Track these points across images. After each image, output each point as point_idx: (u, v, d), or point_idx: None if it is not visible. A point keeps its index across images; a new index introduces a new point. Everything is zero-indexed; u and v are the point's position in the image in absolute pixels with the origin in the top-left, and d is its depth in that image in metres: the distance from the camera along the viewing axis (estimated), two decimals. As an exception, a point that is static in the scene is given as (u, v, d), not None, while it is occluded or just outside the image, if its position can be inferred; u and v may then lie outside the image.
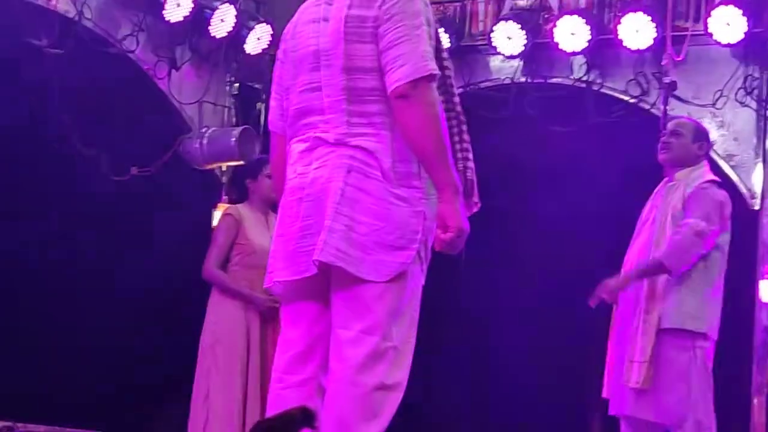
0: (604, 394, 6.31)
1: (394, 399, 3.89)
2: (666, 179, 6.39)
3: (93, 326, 8.44)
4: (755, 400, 7.80)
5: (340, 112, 3.90)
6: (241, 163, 8.64)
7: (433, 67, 3.84)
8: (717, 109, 8.23)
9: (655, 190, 6.46)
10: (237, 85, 9.56)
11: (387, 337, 3.86)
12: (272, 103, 4.25)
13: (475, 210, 4.09)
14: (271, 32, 8.98)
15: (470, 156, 4.10)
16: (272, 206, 6.98)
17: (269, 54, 9.06)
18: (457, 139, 4.07)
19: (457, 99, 4.07)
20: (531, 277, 9.13)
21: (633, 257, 6.30)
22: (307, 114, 4.00)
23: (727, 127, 8.24)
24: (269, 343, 6.98)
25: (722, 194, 6.19)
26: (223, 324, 7.07)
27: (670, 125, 6.52)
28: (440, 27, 8.32)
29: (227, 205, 8.23)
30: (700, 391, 6.02)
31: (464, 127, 4.11)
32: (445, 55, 4.04)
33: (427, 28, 3.91)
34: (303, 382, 4.02)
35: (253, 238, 7.08)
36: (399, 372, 3.92)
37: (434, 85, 3.86)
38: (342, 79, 3.90)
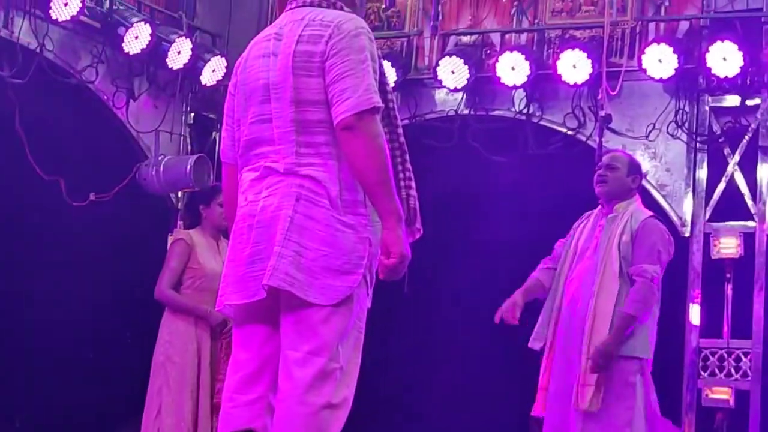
0: (538, 412, 6.32)
1: (341, 416, 3.90)
2: (603, 210, 6.45)
3: (47, 346, 8.39)
4: (686, 419, 7.88)
5: (290, 143, 3.92)
6: (196, 189, 8.64)
7: (376, 100, 3.87)
8: (650, 141, 8.33)
9: (591, 220, 6.51)
10: (192, 114, 9.58)
11: (334, 358, 3.87)
12: (223, 134, 4.26)
13: (417, 237, 4.11)
14: (226, 65, 9.05)
15: (412, 185, 4.12)
16: (224, 232, 7.01)
17: (224, 85, 9.06)
18: (400, 168, 4.09)
19: (400, 130, 4.10)
20: (470, 303, 9.15)
21: (575, 284, 6.33)
22: (257, 144, 4.01)
23: (659, 159, 8.33)
24: (220, 361, 6.99)
25: (667, 232, 6.38)
26: (174, 342, 7.09)
27: (605, 159, 6.61)
28: (388, 61, 8.50)
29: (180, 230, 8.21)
30: (643, 416, 6.13)
31: (407, 157, 4.13)
32: (388, 88, 4.07)
33: (371, 62, 3.93)
34: (253, 402, 4.02)
35: (204, 263, 7.11)
36: (345, 390, 3.93)
37: (378, 117, 3.89)
38: (291, 112, 3.92)
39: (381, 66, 4.03)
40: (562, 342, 6.32)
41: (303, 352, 3.87)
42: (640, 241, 6.23)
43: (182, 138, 9.51)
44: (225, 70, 9.03)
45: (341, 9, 4.07)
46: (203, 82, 9.16)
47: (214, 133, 9.66)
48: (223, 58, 9.10)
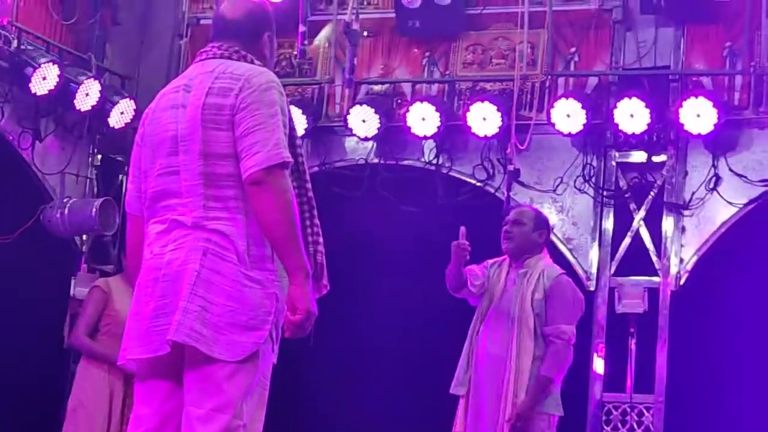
0: None
1: (245, 475, 3.86)
2: (513, 264, 6.46)
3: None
4: (589, 472, 7.92)
5: (198, 196, 3.88)
6: (102, 234, 8.57)
7: (286, 155, 3.84)
8: (557, 194, 8.40)
9: (503, 268, 6.50)
10: (99, 157, 9.47)
11: (238, 415, 3.82)
12: (129, 185, 4.19)
13: (324, 292, 4.09)
14: (135, 107, 8.98)
15: (320, 240, 4.09)
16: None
17: (132, 128, 8.98)
18: (308, 223, 4.06)
19: (309, 185, 4.08)
20: (377, 353, 9.14)
21: (489, 334, 6.34)
22: (165, 197, 3.96)
23: (566, 212, 8.40)
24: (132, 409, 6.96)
25: (578, 289, 6.52)
26: (86, 388, 7.15)
27: (512, 214, 6.63)
28: (298, 108, 8.46)
29: (87, 274, 8.42)
30: None
31: (315, 212, 4.11)
32: (298, 142, 4.05)
33: (281, 116, 3.91)
34: (154, 457, 3.95)
35: (120, 310, 7.06)
36: (248, 448, 3.89)
37: (287, 172, 3.86)
38: (199, 165, 3.88)
39: (291, 120, 4.00)
40: (480, 391, 6.32)
41: (206, 409, 3.81)
42: (554, 300, 6.29)
43: (88, 180, 9.39)
44: (134, 113, 8.94)
45: (251, 62, 4.05)
46: (111, 125, 9.06)
47: (121, 175, 9.54)
48: (132, 101, 9.02)
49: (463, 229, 6.48)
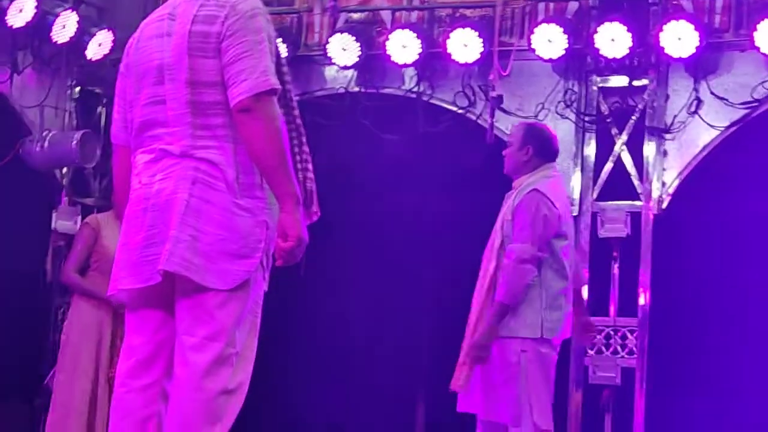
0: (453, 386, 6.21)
1: (236, 402, 3.88)
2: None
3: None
4: (573, 396, 7.98)
5: (185, 125, 3.86)
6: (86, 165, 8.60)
7: (274, 82, 3.82)
8: (539, 120, 8.35)
9: None
10: (78, 89, 9.38)
11: (230, 343, 3.84)
12: (115, 115, 4.17)
13: (314, 219, 4.09)
14: (113, 38, 8.85)
15: (310, 167, 4.09)
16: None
17: (110, 59, 8.92)
18: (297, 150, 4.06)
19: (296, 112, 4.07)
20: (361, 279, 9.17)
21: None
22: (151, 126, 3.94)
23: (548, 138, 8.36)
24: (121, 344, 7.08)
25: (545, 204, 6.05)
26: (75, 323, 7.29)
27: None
28: (278, 37, 8.38)
29: (68, 207, 8.66)
30: (534, 393, 5.97)
31: (303, 139, 4.10)
32: (285, 69, 4.02)
33: (268, 44, 3.89)
34: (146, 387, 3.96)
35: (108, 246, 7.11)
36: (241, 375, 3.91)
37: (275, 99, 3.85)
38: (186, 93, 3.86)
39: (277, 47, 3.98)
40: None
41: (199, 337, 3.83)
42: (514, 218, 6.04)
43: (67, 113, 9.31)
44: (111, 44, 8.83)
45: (236, -11, 4.01)
46: (89, 56, 8.97)
47: (99, 108, 9.48)
48: (110, 32, 8.89)
49: None
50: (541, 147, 6.30)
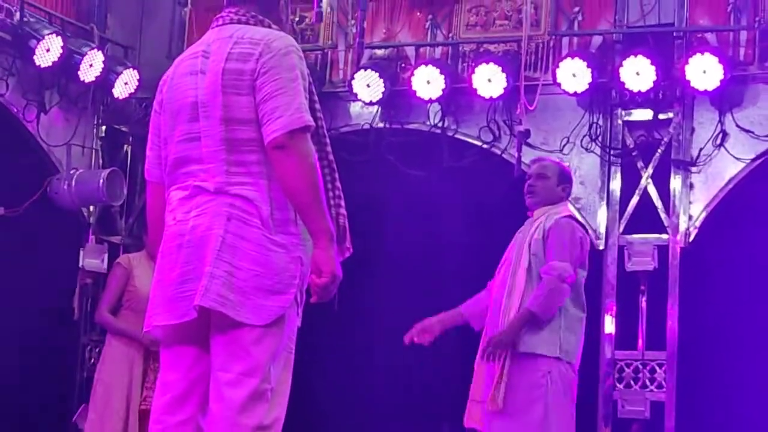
0: (467, 423, 6.25)
1: (273, 437, 3.89)
2: (531, 216, 6.39)
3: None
4: (602, 431, 7.95)
5: (219, 162, 3.88)
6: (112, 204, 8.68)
7: (308, 119, 3.84)
8: (564, 154, 8.39)
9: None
10: (104, 128, 9.46)
11: (266, 379, 3.84)
12: (148, 152, 4.18)
13: (347, 255, 4.10)
14: (138, 77, 8.95)
15: (342, 203, 4.10)
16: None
17: (135, 98, 9.02)
18: (329, 186, 4.07)
19: (329, 149, 4.08)
20: (389, 311, 9.19)
21: (497, 288, 6.25)
22: (186, 163, 3.96)
23: (573, 172, 8.32)
24: (148, 370, 7.31)
25: (580, 230, 6.21)
26: (107, 362, 7.39)
27: (534, 168, 6.45)
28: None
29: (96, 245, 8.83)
30: (555, 415, 5.98)
31: (336, 176, 4.11)
32: (317, 106, 4.04)
33: (302, 81, 3.91)
34: (181, 423, 3.96)
35: (140, 286, 7.28)
36: (276, 411, 3.91)
37: (309, 136, 3.87)
38: (221, 130, 3.88)
39: (311, 84, 4.01)
40: (484, 337, 6.23)
41: (235, 373, 3.82)
42: (551, 239, 6.09)
43: (94, 151, 9.39)
44: (137, 83, 8.94)
45: (269, 26, 4.04)
46: (115, 95, 9.06)
47: (125, 146, 9.59)
48: (135, 71, 8.99)
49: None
50: (570, 189, 6.48)
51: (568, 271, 6.01)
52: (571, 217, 6.28)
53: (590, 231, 8.18)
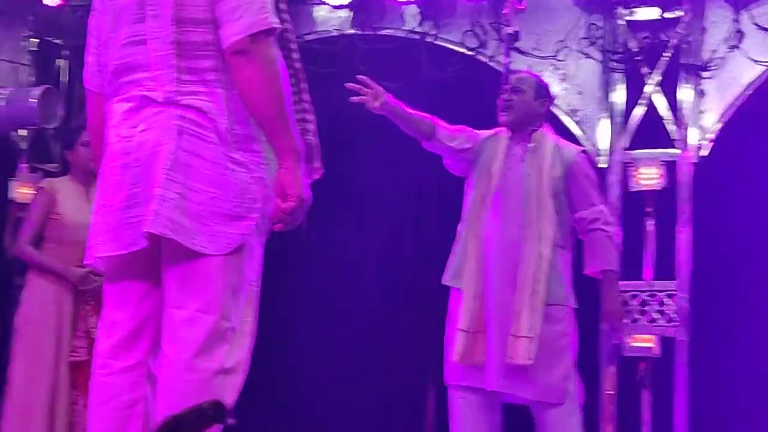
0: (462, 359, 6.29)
1: (236, 382, 3.86)
2: (514, 137, 6.41)
3: None
4: (605, 371, 7.97)
5: (169, 68, 3.82)
6: (43, 126, 8.54)
7: (273, 20, 3.78)
8: (559, 60, 8.36)
9: (500, 143, 6.45)
10: (35, 41, 9.34)
11: (225, 315, 3.81)
12: (88, 59, 4.13)
13: (316, 177, 4.06)
14: (72, -19, 8.82)
15: (312, 117, 4.07)
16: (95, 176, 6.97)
17: (70, 6, 8.90)
18: (296, 99, 4.05)
19: (297, 55, 4.07)
20: (356, 239, 9.19)
21: (492, 222, 6.29)
22: (130, 70, 3.90)
23: (570, 80, 8.36)
24: (79, 316, 7.08)
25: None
26: (33, 303, 7.16)
27: (510, 81, 6.57)
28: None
29: (28, 174, 8.63)
30: (573, 365, 6.28)
31: (304, 86, 4.09)
32: (283, 6, 4.00)
33: (265, -22, 3.84)
34: (130, 368, 3.96)
35: (65, 212, 7.13)
36: (239, 353, 3.89)
37: (274, 39, 3.80)
38: (171, 32, 3.81)
39: (274, -20, 3.94)
40: (488, 280, 6.26)
41: (190, 310, 3.80)
42: (581, 179, 6.34)
43: (23, 67, 9.28)
44: (71, -13, 8.84)
45: None
46: (45, 2, 8.94)
47: (59, 60, 9.45)
48: (69, -26, 8.90)
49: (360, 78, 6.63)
50: (549, 105, 6.66)
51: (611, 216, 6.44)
52: (585, 152, 6.75)
53: (590, 147, 8.16)
